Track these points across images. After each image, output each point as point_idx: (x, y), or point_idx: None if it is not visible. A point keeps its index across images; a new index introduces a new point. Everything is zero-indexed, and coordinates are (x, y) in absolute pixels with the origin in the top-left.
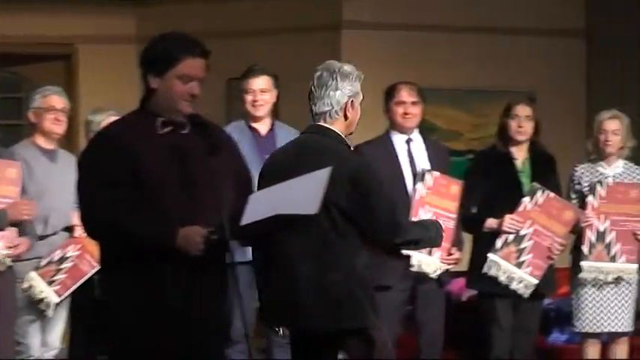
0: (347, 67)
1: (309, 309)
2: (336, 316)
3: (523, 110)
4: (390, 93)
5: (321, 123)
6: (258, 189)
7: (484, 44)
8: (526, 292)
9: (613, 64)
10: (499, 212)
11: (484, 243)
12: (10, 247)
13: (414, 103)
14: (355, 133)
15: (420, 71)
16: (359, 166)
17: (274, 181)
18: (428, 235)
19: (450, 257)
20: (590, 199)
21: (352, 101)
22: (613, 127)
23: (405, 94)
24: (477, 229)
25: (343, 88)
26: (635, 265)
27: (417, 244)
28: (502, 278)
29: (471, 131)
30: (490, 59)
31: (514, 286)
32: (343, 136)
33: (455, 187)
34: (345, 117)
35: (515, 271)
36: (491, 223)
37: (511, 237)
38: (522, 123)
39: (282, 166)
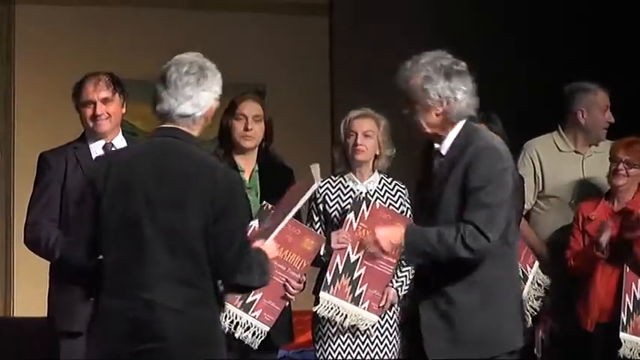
0: (210, 63)
1: (168, 347)
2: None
3: (250, 109)
4: (76, 91)
5: (180, 126)
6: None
7: (196, 23)
8: (255, 342)
9: (362, 50)
10: None
11: None
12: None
13: (105, 99)
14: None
15: (114, 58)
16: (228, 178)
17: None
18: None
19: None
20: (350, 216)
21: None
22: (365, 127)
23: (91, 90)
24: None
25: (211, 88)
26: (376, 317)
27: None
28: (225, 324)
29: None
30: (205, 42)
31: (239, 334)
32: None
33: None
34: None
35: (242, 314)
36: None
37: None
38: (250, 124)
39: (143, 172)
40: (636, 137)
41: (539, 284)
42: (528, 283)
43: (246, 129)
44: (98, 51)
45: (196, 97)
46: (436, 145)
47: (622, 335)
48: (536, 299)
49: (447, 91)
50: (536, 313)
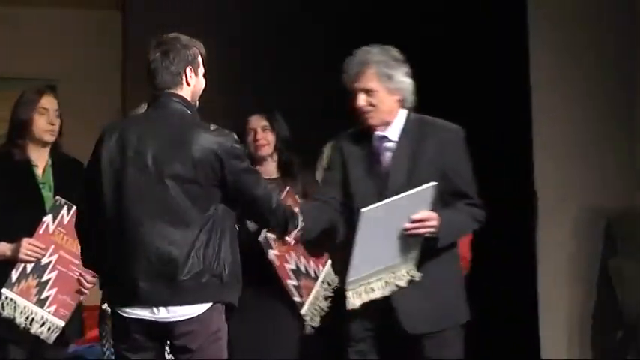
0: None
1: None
2: None
3: (52, 102)
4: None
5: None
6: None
7: None
8: (51, 337)
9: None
10: (16, 235)
11: None
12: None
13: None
14: None
15: None
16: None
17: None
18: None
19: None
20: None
21: None
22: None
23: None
24: None
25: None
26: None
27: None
28: (20, 320)
29: None
30: None
31: (35, 329)
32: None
33: None
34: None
35: (37, 310)
36: (4, 249)
37: (30, 267)
38: (52, 119)
39: None
40: None
41: (329, 284)
42: (318, 282)
43: (50, 123)
44: None
45: None
46: (380, 132)
47: None
48: (325, 299)
49: (406, 78)
50: (324, 313)
